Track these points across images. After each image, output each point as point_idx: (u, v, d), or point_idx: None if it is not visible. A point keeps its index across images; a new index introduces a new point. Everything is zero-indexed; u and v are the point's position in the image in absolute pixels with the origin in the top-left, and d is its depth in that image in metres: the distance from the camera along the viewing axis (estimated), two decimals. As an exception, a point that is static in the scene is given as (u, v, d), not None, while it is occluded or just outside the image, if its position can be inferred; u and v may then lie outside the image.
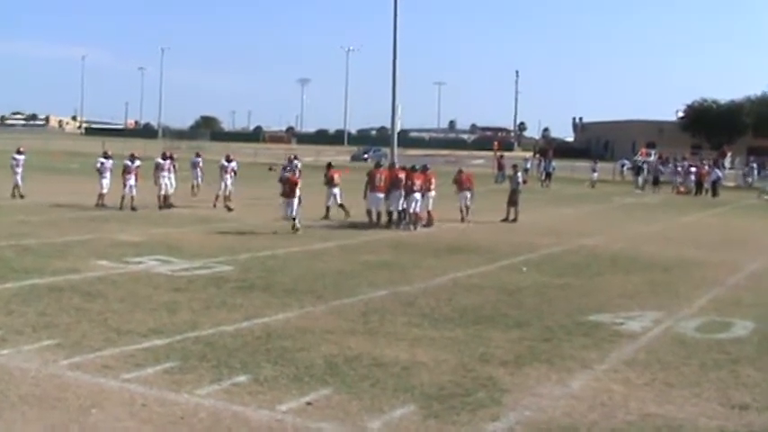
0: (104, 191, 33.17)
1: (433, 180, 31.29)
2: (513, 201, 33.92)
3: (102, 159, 34.56)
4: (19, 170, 36.58)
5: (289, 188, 27.74)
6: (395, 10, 62.37)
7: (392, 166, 33.32)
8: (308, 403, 10.03)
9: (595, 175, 64.47)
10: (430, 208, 30.70)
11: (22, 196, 35.32)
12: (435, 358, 12.23)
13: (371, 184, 30.06)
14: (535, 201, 45.69)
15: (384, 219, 30.20)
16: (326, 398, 10.25)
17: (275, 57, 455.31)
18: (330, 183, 32.60)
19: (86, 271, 18.44)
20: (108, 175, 33.71)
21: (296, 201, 27.35)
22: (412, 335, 13.66)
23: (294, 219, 26.99)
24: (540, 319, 15.25)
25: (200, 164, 40.51)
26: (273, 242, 24.34)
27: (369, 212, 30.11)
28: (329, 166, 34.05)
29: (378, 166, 32.54)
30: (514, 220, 33.28)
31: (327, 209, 31.91)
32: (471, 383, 11.04)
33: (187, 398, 10.04)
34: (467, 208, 33.50)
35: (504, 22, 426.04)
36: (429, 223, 30.39)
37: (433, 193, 30.88)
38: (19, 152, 37.80)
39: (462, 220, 32.72)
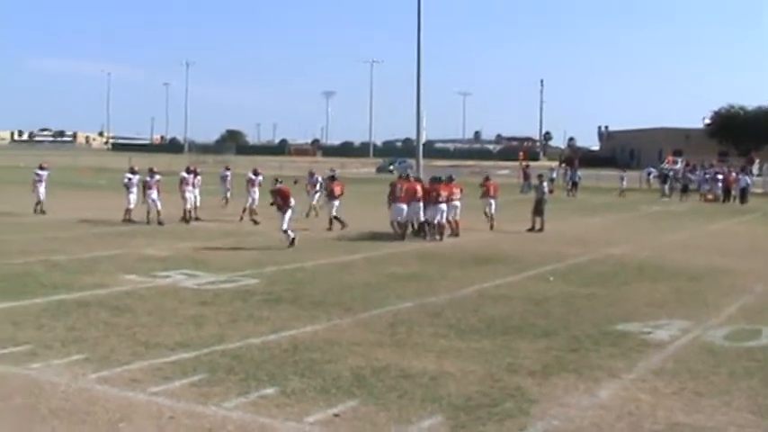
0: (131, 206, 33.36)
1: (457, 191, 31.23)
2: (538, 210, 33.76)
3: (129, 175, 34.73)
4: (41, 186, 36.84)
5: (281, 200, 26.87)
6: (418, 21, 62.56)
7: (407, 177, 33.09)
8: (336, 415, 10.04)
9: (624, 183, 64.09)
10: (457, 217, 30.66)
11: (43, 212, 35.58)
12: (463, 369, 12.22)
13: (393, 195, 30.11)
14: (561, 210, 45.59)
15: (409, 229, 30.21)
16: (354, 409, 10.25)
17: (300, 70, 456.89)
18: (331, 195, 33.27)
19: (114, 285, 18.54)
20: (135, 190, 33.90)
21: (289, 213, 26.65)
22: (439, 346, 13.65)
23: (286, 232, 26.30)
24: (567, 328, 15.21)
25: (229, 177, 40.73)
26: (300, 255, 24.37)
27: (392, 224, 30.10)
28: (331, 178, 34.73)
29: (401, 177, 32.62)
30: (540, 229, 33.13)
31: (330, 220, 32.48)
32: (499, 394, 11.02)
33: (215, 410, 10.07)
34: (491, 215, 34.92)
35: (529, 32, 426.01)
36: (455, 233, 30.36)
37: (458, 203, 30.82)
38: (41, 168, 38.10)
39: (491, 227, 33.94)
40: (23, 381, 11.11)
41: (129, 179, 34.38)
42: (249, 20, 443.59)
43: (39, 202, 36.28)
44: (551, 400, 10.86)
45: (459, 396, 10.86)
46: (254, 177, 36.14)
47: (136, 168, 36.26)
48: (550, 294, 18.80)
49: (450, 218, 30.43)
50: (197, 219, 33.89)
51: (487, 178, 37.93)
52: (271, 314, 15.85)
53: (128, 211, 33.25)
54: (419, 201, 29.84)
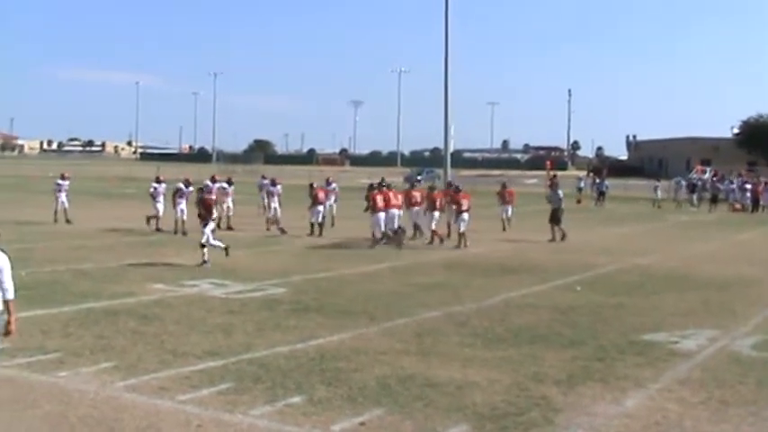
0: (160, 214, 33.57)
1: (466, 201, 31.14)
2: (556, 219, 33.38)
3: (155, 184, 34.93)
4: (62, 195, 37.06)
5: (204, 210, 25.06)
6: (446, 31, 62.62)
7: (383, 185, 33.06)
8: (362, 423, 10.06)
9: (659, 193, 63.32)
10: (462, 229, 30.50)
11: (68, 221, 35.82)
12: (488, 378, 12.23)
13: (374, 205, 30.44)
14: (589, 219, 45.55)
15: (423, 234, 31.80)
16: (379, 418, 10.28)
17: (328, 79, 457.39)
18: (315, 201, 33.66)
19: (142, 294, 18.66)
20: (161, 199, 34.12)
21: (211, 225, 24.94)
22: (465, 355, 13.67)
23: (204, 246, 24.14)
24: (594, 338, 15.19)
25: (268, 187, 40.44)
26: (326, 264, 24.45)
27: (373, 234, 30.37)
28: (312, 186, 34.91)
29: (375, 187, 32.49)
30: (563, 238, 32.75)
31: (312, 225, 33.20)
32: (524, 403, 11.02)
33: (241, 418, 10.12)
34: (508, 220, 37.79)
35: (557, 42, 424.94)
36: (463, 244, 30.15)
37: (466, 216, 30.66)
38: (63, 177, 38.35)
39: (504, 229, 36.69)
40: (52, 388, 11.21)
41: (156, 188, 34.59)
42: (277, 30, 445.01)
43: (57, 211, 36.51)
44: (577, 409, 10.85)
45: (484, 405, 10.87)
46: (272, 188, 36.23)
47: (162, 178, 36.45)
48: (577, 304, 18.78)
49: (461, 230, 30.36)
50: (229, 228, 34.07)
51: (504, 185, 40.44)
52: (298, 323, 15.91)
53: (157, 219, 33.44)
54: (395, 208, 30.88)
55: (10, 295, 10.60)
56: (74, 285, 19.49)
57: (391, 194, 31.51)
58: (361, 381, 11.92)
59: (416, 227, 32.61)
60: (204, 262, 23.63)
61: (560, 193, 34.74)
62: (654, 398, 11.54)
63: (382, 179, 34.78)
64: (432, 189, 34.13)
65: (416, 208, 32.51)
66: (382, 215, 30.20)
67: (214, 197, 29.44)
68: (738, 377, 12.67)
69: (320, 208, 33.75)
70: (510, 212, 38.33)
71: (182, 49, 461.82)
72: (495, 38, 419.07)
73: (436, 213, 31.58)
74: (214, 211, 25.85)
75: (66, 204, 36.92)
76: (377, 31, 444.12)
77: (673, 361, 13.69)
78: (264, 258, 26.05)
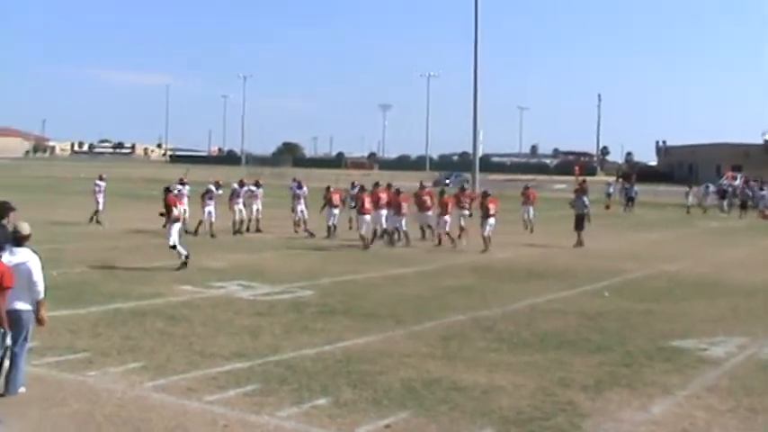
0: (185, 216, 33.70)
1: (493, 206, 31.44)
2: (580, 225, 33.10)
3: (179, 187, 35.11)
4: (100, 196, 37.31)
5: (167, 210, 24.84)
6: (475, 35, 62.65)
7: (442, 191, 33.66)
8: (387, 426, 10.09)
9: (690, 199, 62.77)
10: (487, 233, 30.62)
11: (98, 222, 36.00)
12: (514, 382, 12.23)
13: (361, 207, 30.81)
14: (617, 225, 45.39)
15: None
16: (405, 421, 10.30)
17: (357, 83, 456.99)
18: (329, 204, 34.12)
19: (170, 295, 18.75)
20: (185, 201, 34.24)
21: (177, 226, 24.16)
22: (491, 359, 13.67)
23: (174, 247, 23.60)
24: (621, 344, 15.14)
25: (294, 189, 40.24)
26: (353, 267, 24.50)
27: (361, 236, 30.62)
28: (328, 189, 35.16)
29: (442, 193, 33.52)
30: (579, 244, 32.47)
31: (329, 228, 33.45)
32: (550, 408, 11.01)
33: (268, 420, 10.17)
34: (529, 221, 39.27)
35: (586, 46, 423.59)
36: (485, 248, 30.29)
37: (492, 220, 30.88)
38: (101, 178, 38.61)
39: (526, 227, 38.53)
40: (80, 387, 11.30)
41: (179, 191, 34.74)
42: (307, 33, 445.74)
43: (96, 212, 36.74)
44: (604, 414, 10.83)
45: (510, 409, 10.87)
46: (299, 191, 36.29)
47: (185, 180, 36.58)
48: (605, 310, 18.72)
49: (487, 233, 30.57)
50: (258, 230, 34.16)
51: (527, 187, 42.97)
52: (324, 325, 15.96)
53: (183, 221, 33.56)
54: (383, 209, 31.44)
55: (40, 296, 10.74)
56: (103, 286, 19.62)
57: (383, 195, 32.18)
58: (386, 383, 11.95)
59: (423, 229, 33.51)
60: (184, 264, 23.04)
61: (585, 199, 34.39)
62: (681, 405, 11.50)
63: (377, 182, 35.09)
64: (442, 193, 34.69)
65: (429, 212, 33.51)
66: (368, 217, 30.70)
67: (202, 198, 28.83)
68: (767, 385, 12.60)
69: (335, 211, 33.98)
70: (531, 214, 39.83)
71: (212, 52, 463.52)
72: (525, 42, 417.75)
73: (447, 217, 31.92)
74: (175, 211, 24.63)
75: (102, 206, 37.14)
76: (406, 36, 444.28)
77: (701, 368, 13.64)
78: (292, 261, 26.11)
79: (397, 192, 32.92)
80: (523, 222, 39.28)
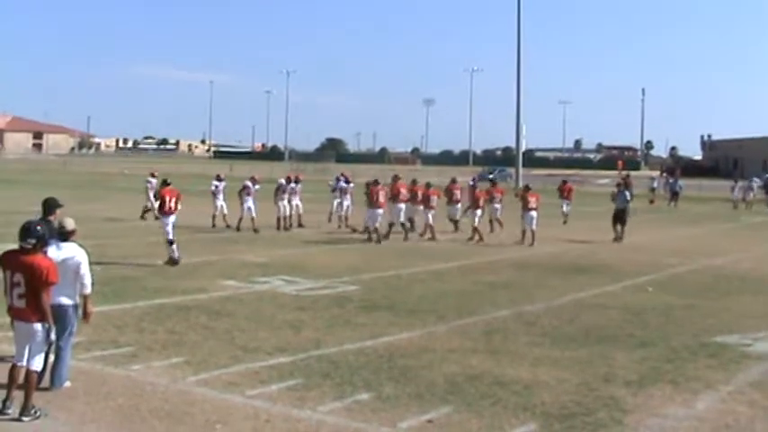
0: (217, 212, 33.89)
1: (533, 199, 31.61)
2: (621, 219, 32.70)
3: (216, 182, 35.30)
4: (151, 193, 37.60)
5: (161, 204, 24.03)
6: (518, 30, 62.50)
7: (375, 182, 32.89)
8: (429, 421, 10.11)
9: (736, 193, 62.11)
10: (532, 227, 30.97)
11: (143, 218, 36.25)
12: (557, 377, 12.20)
13: (371, 201, 30.72)
14: (661, 220, 45.14)
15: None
16: (447, 416, 10.31)
17: (400, 78, 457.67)
18: (375, 201, 31.99)
19: (213, 290, 18.86)
20: (221, 197, 34.44)
21: (171, 219, 23.41)
22: (534, 354, 13.64)
23: (173, 243, 23.03)
24: (665, 339, 15.06)
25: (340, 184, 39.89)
26: (396, 262, 24.52)
27: (366, 229, 30.93)
28: (367, 184, 33.72)
29: (375, 183, 32.46)
30: (620, 238, 32.14)
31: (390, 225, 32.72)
32: (593, 403, 10.98)
33: (310, 414, 10.22)
34: (565, 214, 40.43)
35: (630, 39, 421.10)
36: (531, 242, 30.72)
37: (533, 213, 31.15)
38: (152, 176, 38.91)
39: (565, 222, 39.43)
40: (125, 382, 11.41)
41: (216, 186, 34.95)
42: (349, 28, 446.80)
43: (146, 209, 37.01)
44: (646, 410, 10.79)
45: (552, 405, 10.85)
46: (345, 185, 36.30)
47: (222, 176, 36.69)
48: (648, 305, 18.63)
49: (533, 227, 30.92)
50: (300, 225, 34.12)
51: (564, 182, 43.32)
52: (367, 321, 15.99)
53: (213, 217, 33.74)
54: (401, 203, 31.62)
55: (87, 290, 10.85)
56: (147, 281, 19.77)
57: (403, 189, 32.36)
58: (429, 378, 11.96)
59: (455, 222, 34.75)
60: (174, 262, 22.69)
61: (627, 194, 34.04)
62: (725, 400, 11.44)
63: (395, 176, 34.59)
64: (474, 187, 34.89)
65: (458, 205, 34.94)
66: (380, 210, 30.67)
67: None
68: (812, 380, 12.50)
69: (379, 211, 32.72)
70: (566, 207, 40.90)
71: (255, 48, 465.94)
72: (568, 36, 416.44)
73: (478, 211, 32.48)
74: (169, 205, 23.63)
75: (152, 204, 37.40)
76: (449, 31, 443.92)
77: (745, 363, 13.55)
78: (335, 256, 26.18)
79: (428, 185, 33.35)
80: (563, 215, 40.27)
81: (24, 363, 9.84)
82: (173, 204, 23.73)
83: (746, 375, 12.79)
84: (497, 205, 34.70)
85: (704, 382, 12.25)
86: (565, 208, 40.82)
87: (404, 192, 32.22)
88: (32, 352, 9.87)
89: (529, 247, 29.35)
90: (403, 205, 31.91)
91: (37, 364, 9.92)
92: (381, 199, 30.72)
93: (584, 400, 11.09)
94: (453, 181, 35.58)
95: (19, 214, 14.29)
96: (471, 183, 37.36)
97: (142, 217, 36.62)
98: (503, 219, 34.02)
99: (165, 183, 26.33)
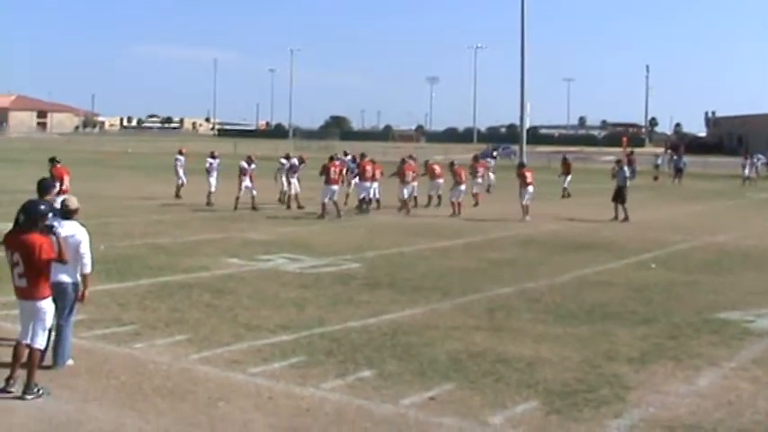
0: (212, 189, 33.92)
1: (528, 174, 32.71)
2: (621, 197, 31.92)
3: (210, 159, 35.32)
4: (181, 171, 37.41)
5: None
6: (522, 6, 62.14)
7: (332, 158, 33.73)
8: (431, 398, 10.11)
9: (746, 171, 62.00)
10: (525, 201, 31.87)
11: (178, 195, 36.23)
12: (560, 355, 12.20)
13: (327, 177, 30.86)
14: (665, 196, 45.09)
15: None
16: (449, 393, 10.32)
17: (404, 55, 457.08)
18: (402, 177, 33.51)
19: (216, 269, 18.86)
20: (215, 174, 34.47)
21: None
22: (537, 331, 13.64)
23: None
24: (667, 316, 15.05)
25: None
26: (400, 240, 24.52)
27: (322, 204, 30.82)
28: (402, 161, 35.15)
29: (332, 159, 33.22)
30: (625, 219, 31.30)
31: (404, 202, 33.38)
32: (595, 380, 10.98)
33: (312, 391, 10.23)
34: (566, 189, 43.06)
35: (634, 16, 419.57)
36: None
37: (530, 188, 32.11)
38: (181, 153, 38.75)
39: (563, 196, 41.86)
40: (128, 359, 11.43)
41: (210, 164, 34.97)
42: (354, 6, 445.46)
43: (178, 187, 37.08)
44: (649, 387, 10.79)
45: (555, 381, 10.85)
46: (352, 164, 36.31)
47: (216, 154, 36.57)
48: (651, 281, 18.62)
49: (525, 201, 31.71)
50: (300, 207, 33.75)
51: (565, 158, 46.58)
52: (370, 298, 16.00)
53: (209, 194, 33.72)
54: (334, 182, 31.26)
55: (87, 269, 10.85)
56: (150, 259, 19.77)
57: (369, 167, 33.13)
58: (432, 355, 11.97)
59: (430, 197, 36.02)
60: None
61: (627, 170, 33.76)
62: (727, 377, 11.44)
63: (331, 156, 34.21)
64: (453, 164, 35.34)
65: (439, 180, 35.94)
66: (335, 187, 30.79)
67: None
68: (815, 357, 12.50)
69: (367, 184, 33.03)
70: (567, 182, 43.93)
71: (259, 26, 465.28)
72: (572, 13, 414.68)
73: (462, 186, 33.48)
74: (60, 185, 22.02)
75: (183, 181, 37.32)
76: (453, 8, 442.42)
77: (748, 340, 13.54)
78: (339, 234, 26.16)
79: (452, 164, 34.99)
80: (562, 190, 43.05)
81: (28, 341, 9.86)
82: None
83: (749, 352, 12.78)
84: (479, 180, 37.91)
85: (707, 359, 12.25)
86: (566, 182, 43.86)
87: (411, 173, 33.60)
88: (35, 330, 9.88)
89: (531, 225, 29.31)
90: (414, 184, 33.89)
91: (40, 342, 9.93)
92: (334, 176, 30.73)
93: (586, 377, 11.09)
94: (476, 159, 37.69)
95: (23, 193, 14.23)
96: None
97: (177, 195, 36.44)
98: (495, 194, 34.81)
99: (54, 161, 26.10)
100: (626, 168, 33.91)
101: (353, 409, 9.69)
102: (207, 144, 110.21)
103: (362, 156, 36.47)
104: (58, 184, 19.24)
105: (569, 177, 44.28)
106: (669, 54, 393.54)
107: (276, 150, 60.19)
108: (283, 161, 35.12)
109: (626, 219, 31.39)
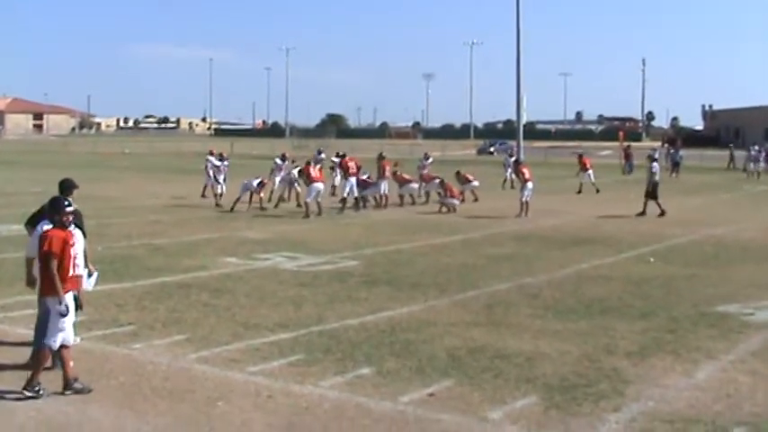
0: (208, 184, 34.43)
1: (526, 170, 32.58)
2: (652, 194, 31.78)
3: (218, 162, 35.42)
4: (211, 172, 36.65)
5: None
6: (517, 1, 62.17)
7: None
8: (431, 394, 10.11)
9: (752, 165, 60.64)
10: (525, 198, 31.48)
11: (210, 196, 35.86)
12: (559, 349, 12.20)
13: (309, 176, 30.69)
14: (663, 190, 44.70)
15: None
16: (448, 389, 10.32)
17: (400, 52, 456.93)
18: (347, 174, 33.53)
19: (214, 268, 18.86)
20: (211, 173, 35.03)
21: None
22: (536, 326, 13.64)
23: None
24: (666, 310, 15.05)
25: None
26: (398, 237, 24.51)
27: (307, 203, 30.84)
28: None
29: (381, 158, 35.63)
30: (662, 214, 31.05)
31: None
32: (594, 374, 10.98)
33: (311, 389, 10.23)
34: (582, 185, 43.31)
35: (630, 10, 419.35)
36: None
37: (530, 185, 31.53)
38: (211, 153, 38.25)
39: (597, 191, 41.89)
40: (126, 360, 11.43)
41: (217, 166, 35.14)
42: (349, 3, 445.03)
43: (205, 187, 36.44)
44: (647, 381, 10.78)
45: (554, 376, 10.85)
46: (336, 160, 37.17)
47: (214, 151, 37.29)
48: (650, 275, 18.62)
49: (525, 198, 31.30)
50: (298, 205, 33.66)
51: (581, 155, 47.14)
52: (368, 295, 15.99)
53: (204, 188, 33.97)
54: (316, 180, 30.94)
55: (79, 271, 10.82)
56: (148, 260, 19.76)
57: (351, 164, 33.58)
58: (430, 352, 11.97)
59: (401, 197, 35.83)
60: None
61: (656, 165, 32.81)
62: (726, 370, 11.44)
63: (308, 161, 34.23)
64: (381, 158, 37.24)
65: (413, 184, 36.27)
66: (319, 185, 30.50)
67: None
68: (814, 348, 12.50)
69: (352, 180, 32.85)
70: (592, 177, 44.05)
71: (254, 25, 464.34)
72: (568, 7, 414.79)
73: (383, 183, 34.13)
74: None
75: (216, 182, 37.00)
76: (449, 4, 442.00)
77: (746, 333, 13.54)
78: (336, 232, 26.14)
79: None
80: (581, 186, 43.29)
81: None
82: None
83: (748, 345, 12.78)
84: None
85: (705, 352, 12.25)
86: (591, 178, 43.88)
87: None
88: (49, 328, 9.94)
89: (530, 220, 29.32)
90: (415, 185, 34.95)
91: (50, 340, 9.93)
92: (315, 174, 30.54)
93: (585, 372, 11.10)
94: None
95: (19, 195, 14.22)
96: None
97: (203, 195, 36.24)
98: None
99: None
100: (655, 164, 32.88)
101: (352, 407, 9.69)
102: (205, 144, 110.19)
103: (343, 155, 37.62)
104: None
105: (590, 172, 44.35)
106: (665, 48, 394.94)
107: (273, 149, 60.20)
108: (278, 161, 35.22)
109: (662, 213, 31.10)
